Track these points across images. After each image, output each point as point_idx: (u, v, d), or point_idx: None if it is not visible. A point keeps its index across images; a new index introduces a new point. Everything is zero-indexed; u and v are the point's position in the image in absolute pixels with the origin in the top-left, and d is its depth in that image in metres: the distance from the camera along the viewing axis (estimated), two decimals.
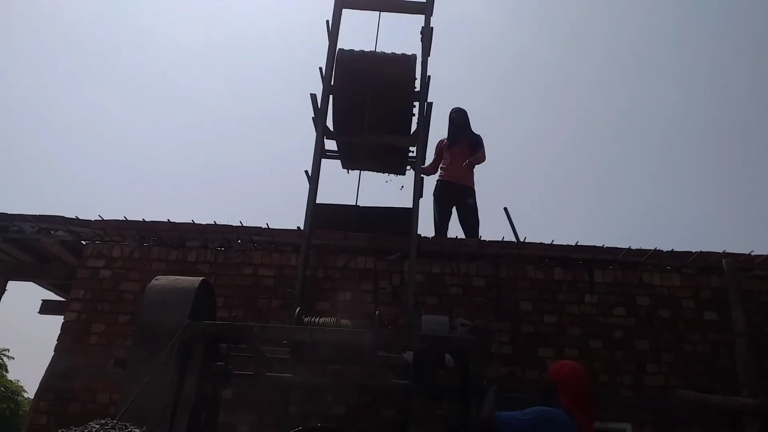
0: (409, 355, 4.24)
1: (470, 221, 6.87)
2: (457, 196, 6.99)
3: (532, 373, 5.21)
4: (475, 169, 7.07)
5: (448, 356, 4.20)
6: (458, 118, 7.23)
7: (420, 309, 4.73)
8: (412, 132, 5.01)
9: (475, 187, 7.06)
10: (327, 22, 5.04)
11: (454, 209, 7.04)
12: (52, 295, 6.80)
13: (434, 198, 7.11)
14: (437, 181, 7.18)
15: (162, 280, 3.80)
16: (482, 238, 5.96)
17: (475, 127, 7.28)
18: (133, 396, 3.29)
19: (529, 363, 5.26)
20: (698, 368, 5.25)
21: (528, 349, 5.33)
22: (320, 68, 4.91)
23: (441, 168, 7.22)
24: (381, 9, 5.29)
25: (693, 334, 5.38)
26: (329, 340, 3.73)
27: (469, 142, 7.11)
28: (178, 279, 3.87)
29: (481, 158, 7.06)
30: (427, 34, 5.09)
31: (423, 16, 5.14)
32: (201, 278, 3.85)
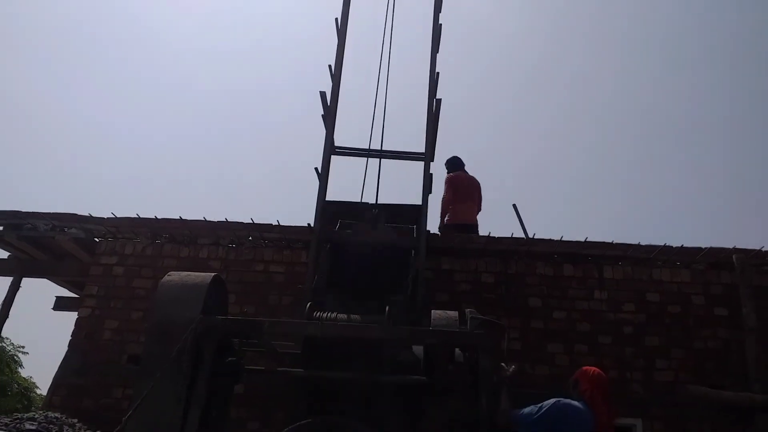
0: (419, 350, 4.27)
1: None
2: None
3: (541, 369, 5.23)
4: None
5: (458, 351, 4.23)
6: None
7: (430, 305, 4.76)
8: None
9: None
10: (336, 19, 5.08)
11: None
12: (66, 292, 6.89)
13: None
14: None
15: (174, 276, 3.85)
16: (491, 235, 5.97)
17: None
18: (146, 391, 3.33)
19: (539, 359, 5.28)
20: (708, 364, 5.25)
21: (537, 344, 5.35)
22: (329, 66, 4.94)
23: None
24: None
25: (703, 330, 5.37)
26: (340, 335, 3.76)
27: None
28: (190, 275, 3.92)
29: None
30: (436, 29, 5.11)
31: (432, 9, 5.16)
32: (213, 274, 3.90)
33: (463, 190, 6.71)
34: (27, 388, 17.44)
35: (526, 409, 3.70)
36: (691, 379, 5.15)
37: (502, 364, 3.96)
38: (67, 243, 5.78)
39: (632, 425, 4.99)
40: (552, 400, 3.67)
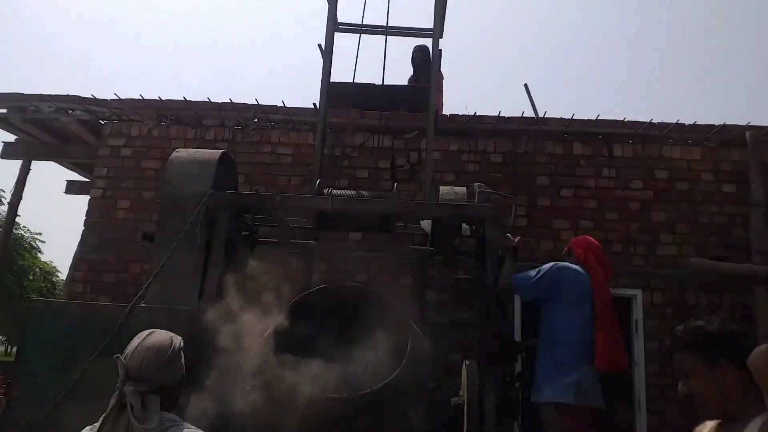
0: (427, 225, 4.35)
1: None
2: None
3: (546, 244, 5.34)
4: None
5: (465, 226, 4.31)
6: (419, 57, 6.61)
7: (437, 183, 4.79)
8: None
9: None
10: None
11: None
12: (75, 176, 6.95)
13: None
14: None
15: (183, 152, 3.86)
16: (501, 115, 5.88)
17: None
18: (164, 260, 3.44)
19: (544, 234, 5.38)
20: (712, 239, 5.34)
21: (543, 221, 5.43)
22: None
23: None
24: None
25: (710, 206, 5.41)
26: (349, 209, 3.82)
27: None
28: (198, 151, 3.92)
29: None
30: None
31: None
32: (221, 150, 3.90)
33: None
34: (49, 272, 18.13)
35: (524, 274, 3.85)
36: (693, 252, 5.25)
37: (508, 234, 4.05)
38: (73, 125, 5.75)
39: (632, 296, 5.17)
40: (550, 264, 3.83)
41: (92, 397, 3.05)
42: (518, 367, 4.51)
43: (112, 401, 1.84)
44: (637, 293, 5.16)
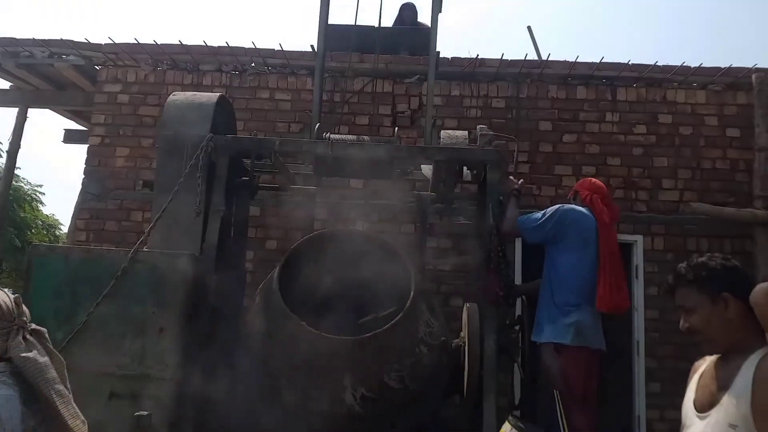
0: (428, 170, 4.33)
1: None
2: None
3: (548, 190, 5.32)
4: None
5: (466, 171, 4.28)
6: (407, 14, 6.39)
7: (439, 128, 4.73)
8: None
9: None
10: None
11: None
12: (73, 125, 6.88)
13: None
14: None
15: (180, 96, 3.80)
16: (504, 58, 5.76)
17: None
18: (165, 205, 3.43)
19: (546, 181, 5.35)
20: (714, 184, 5.31)
21: (545, 167, 5.40)
22: None
23: None
24: None
25: (713, 151, 5.37)
26: (349, 154, 3.78)
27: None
28: (196, 94, 3.87)
29: None
30: None
31: None
32: (219, 94, 3.84)
33: None
34: (51, 225, 18.15)
35: (531, 215, 3.84)
36: (695, 198, 5.23)
37: (511, 177, 4.03)
38: (68, 71, 5.64)
39: (633, 242, 5.18)
40: (555, 206, 3.83)
41: (98, 340, 3.14)
42: (518, 311, 4.57)
43: None
44: (638, 239, 5.17)
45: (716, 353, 1.91)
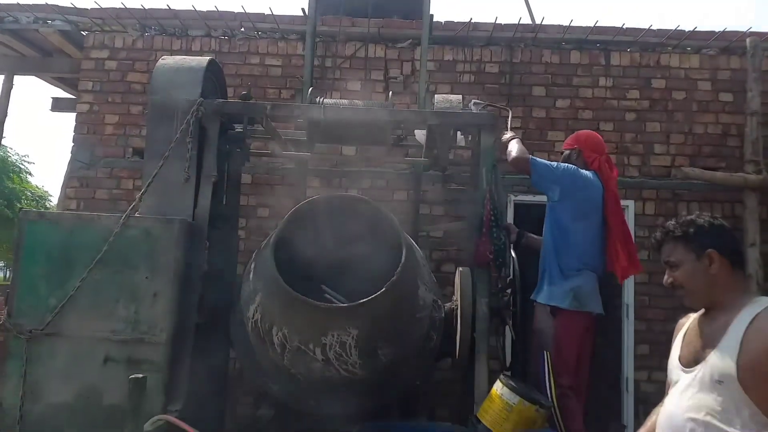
0: (421, 136, 4.30)
1: None
2: None
3: (540, 156, 5.26)
4: None
5: (459, 136, 4.26)
6: None
7: (432, 94, 4.70)
8: None
9: None
10: None
11: None
12: (61, 93, 6.77)
13: None
14: None
15: (169, 60, 3.74)
16: (498, 22, 5.69)
17: None
18: (156, 171, 3.40)
19: (539, 147, 5.33)
20: (706, 149, 5.32)
21: (538, 132, 5.39)
22: None
23: None
24: None
25: (705, 116, 5.36)
26: (343, 118, 3.75)
27: None
28: (185, 58, 3.81)
29: None
30: None
31: None
32: (209, 58, 3.78)
33: None
34: (41, 196, 18.05)
35: (543, 159, 3.78)
36: (687, 163, 5.25)
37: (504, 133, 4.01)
38: (54, 36, 5.53)
39: (625, 207, 5.19)
40: (564, 164, 3.79)
41: (91, 306, 3.14)
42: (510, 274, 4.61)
43: None
44: (630, 204, 5.20)
45: (697, 307, 1.96)
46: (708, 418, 1.76)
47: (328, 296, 3.58)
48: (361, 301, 3.13)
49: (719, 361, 1.78)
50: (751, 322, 1.76)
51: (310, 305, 3.09)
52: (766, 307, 1.78)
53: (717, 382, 1.76)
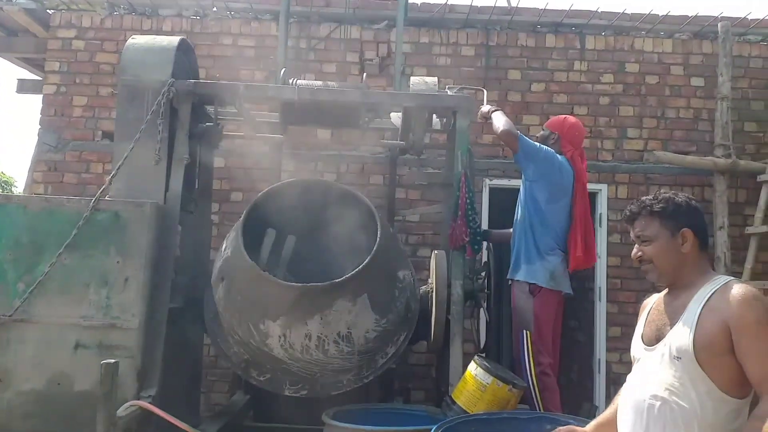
0: (397, 118, 4.28)
1: None
2: None
3: None
4: None
5: (435, 119, 4.25)
6: None
7: (408, 76, 4.66)
8: None
9: None
10: None
11: None
12: (27, 74, 6.57)
13: None
14: None
15: (140, 39, 3.66)
16: (474, 4, 5.66)
17: None
18: (126, 153, 3.34)
19: None
20: (677, 133, 5.39)
21: (513, 116, 5.35)
22: None
23: None
24: None
25: (677, 100, 5.43)
26: (317, 100, 3.71)
27: None
28: (156, 38, 3.73)
29: None
30: None
31: None
32: (180, 37, 3.70)
33: None
34: (6, 181, 17.59)
35: (531, 141, 3.83)
36: (659, 147, 5.31)
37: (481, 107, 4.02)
38: (18, 15, 5.34)
39: (598, 191, 5.26)
40: (545, 147, 3.83)
41: (61, 291, 3.08)
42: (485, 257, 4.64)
43: None
44: (603, 188, 5.26)
45: (661, 283, 1.99)
46: (666, 394, 1.80)
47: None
48: (327, 282, 3.11)
49: (677, 337, 1.82)
50: (707, 300, 1.81)
51: (281, 286, 3.09)
52: (722, 285, 1.83)
53: (675, 359, 1.80)
